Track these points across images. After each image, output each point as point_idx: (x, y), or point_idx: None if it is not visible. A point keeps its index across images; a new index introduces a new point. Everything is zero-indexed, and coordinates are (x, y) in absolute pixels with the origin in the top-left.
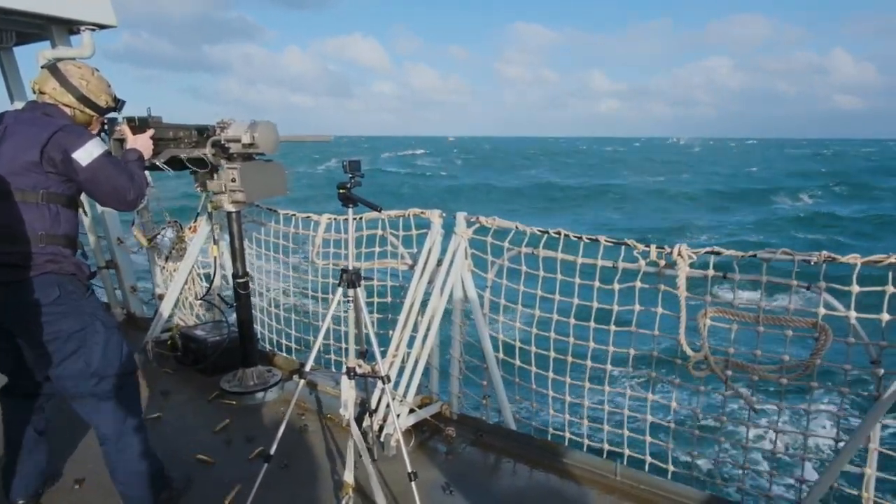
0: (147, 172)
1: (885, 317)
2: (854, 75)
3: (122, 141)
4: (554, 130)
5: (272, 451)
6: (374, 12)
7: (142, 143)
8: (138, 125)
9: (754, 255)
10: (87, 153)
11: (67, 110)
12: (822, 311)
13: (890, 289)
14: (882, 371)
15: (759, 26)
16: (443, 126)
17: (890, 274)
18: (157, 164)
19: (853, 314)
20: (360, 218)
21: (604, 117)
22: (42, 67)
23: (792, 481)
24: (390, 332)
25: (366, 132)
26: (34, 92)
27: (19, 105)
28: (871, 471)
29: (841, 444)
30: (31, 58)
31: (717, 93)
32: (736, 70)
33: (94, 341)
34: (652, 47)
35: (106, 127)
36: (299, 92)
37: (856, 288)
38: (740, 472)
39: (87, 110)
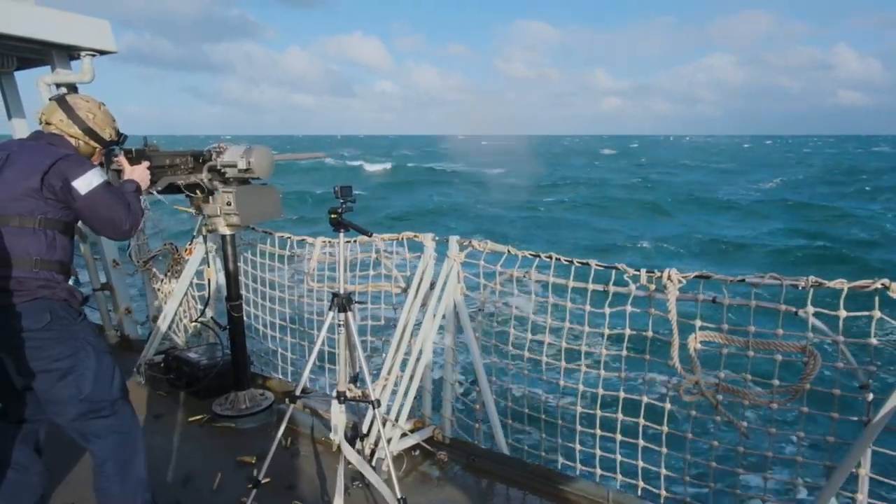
0: (145, 199)
1: (873, 341)
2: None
3: (119, 171)
4: (561, 129)
5: (261, 475)
6: (374, 11)
7: (139, 174)
8: (135, 156)
9: (743, 280)
10: (86, 182)
11: (72, 141)
12: (810, 335)
13: (877, 314)
14: (871, 396)
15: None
16: (446, 125)
17: (877, 299)
18: (154, 192)
19: (841, 339)
20: (355, 241)
21: (615, 115)
22: (50, 99)
23: None
24: (383, 355)
25: (368, 131)
26: (40, 123)
27: (17, 124)
28: (862, 496)
29: (832, 470)
30: (31, 81)
31: (721, 90)
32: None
33: (85, 366)
34: (657, 44)
35: (103, 158)
36: (301, 91)
37: (843, 313)
38: (732, 497)
39: (92, 142)
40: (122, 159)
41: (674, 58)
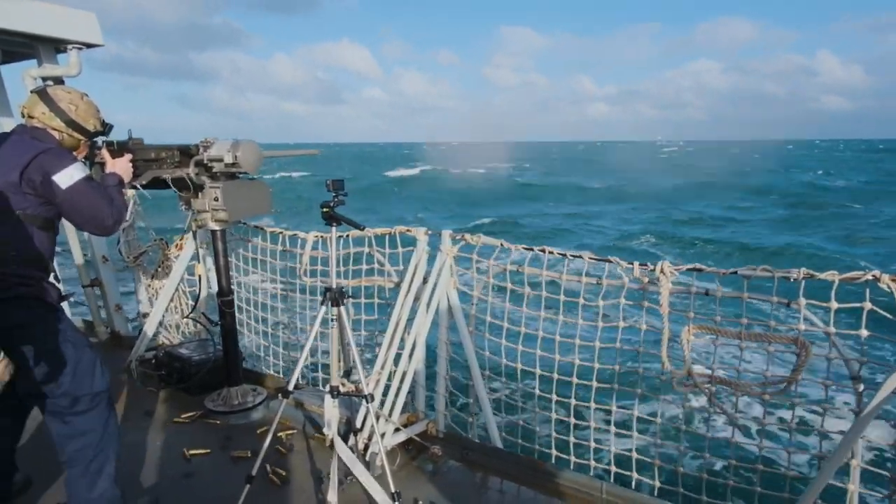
0: (134, 192)
1: (864, 333)
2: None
3: (103, 165)
4: (549, 135)
5: (254, 471)
6: (359, 17)
7: (121, 166)
8: (117, 149)
9: (735, 272)
10: (67, 177)
11: (56, 134)
12: (801, 326)
13: (868, 305)
14: (862, 387)
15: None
16: (437, 132)
17: (867, 290)
18: (137, 185)
19: (833, 330)
20: (347, 235)
21: (602, 121)
22: (31, 92)
23: (777, 497)
24: (376, 349)
25: (359, 139)
26: (23, 116)
27: (3, 120)
28: (854, 486)
29: (824, 460)
30: (17, 75)
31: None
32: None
33: (62, 362)
34: (643, 51)
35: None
36: (289, 99)
37: (834, 304)
38: (725, 488)
39: (76, 134)
40: (104, 152)
41: (660, 63)
